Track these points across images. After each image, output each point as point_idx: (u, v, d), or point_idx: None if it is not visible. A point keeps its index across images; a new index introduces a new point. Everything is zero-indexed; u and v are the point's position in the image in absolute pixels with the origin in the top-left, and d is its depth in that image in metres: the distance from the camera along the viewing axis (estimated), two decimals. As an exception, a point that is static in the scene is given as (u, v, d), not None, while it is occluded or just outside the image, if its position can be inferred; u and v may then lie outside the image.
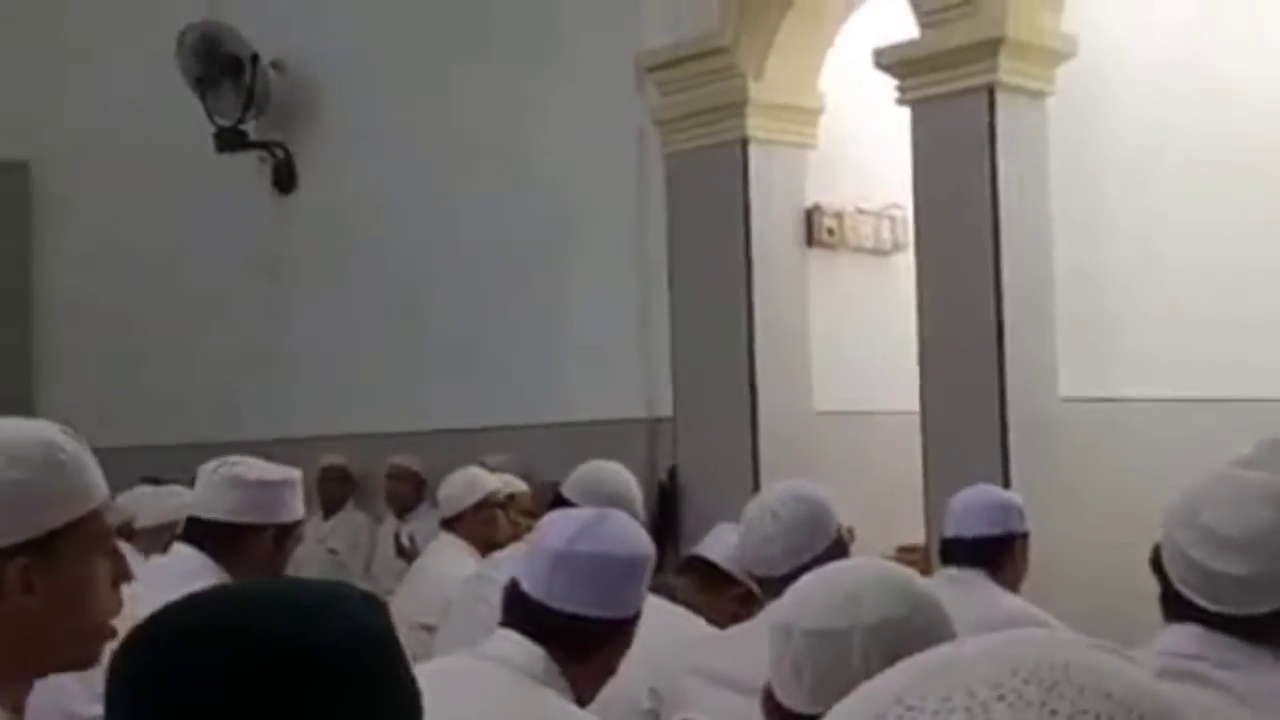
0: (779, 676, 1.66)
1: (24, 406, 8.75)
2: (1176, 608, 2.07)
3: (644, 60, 6.21)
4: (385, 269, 7.27)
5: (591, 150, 6.46)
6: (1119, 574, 4.65)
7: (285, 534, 3.05)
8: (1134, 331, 5.66)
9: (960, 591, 3.40)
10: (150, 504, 4.70)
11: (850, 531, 3.24)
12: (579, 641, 2.05)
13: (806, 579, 1.74)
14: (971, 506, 3.68)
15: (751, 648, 1.95)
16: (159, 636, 1.03)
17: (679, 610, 3.33)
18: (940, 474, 5.22)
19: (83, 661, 1.64)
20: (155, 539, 4.15)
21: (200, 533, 2.99)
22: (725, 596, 3.53)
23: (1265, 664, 2.02)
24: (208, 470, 3.06)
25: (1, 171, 8.75)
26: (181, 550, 3.07)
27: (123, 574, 1.64)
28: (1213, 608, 2.01)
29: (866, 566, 1.80)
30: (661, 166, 6.22)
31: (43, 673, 1.65)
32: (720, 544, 3.68)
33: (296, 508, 3.08)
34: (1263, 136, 6.17)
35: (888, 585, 1.65)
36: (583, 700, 2.07)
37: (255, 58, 7.46)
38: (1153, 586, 3.70)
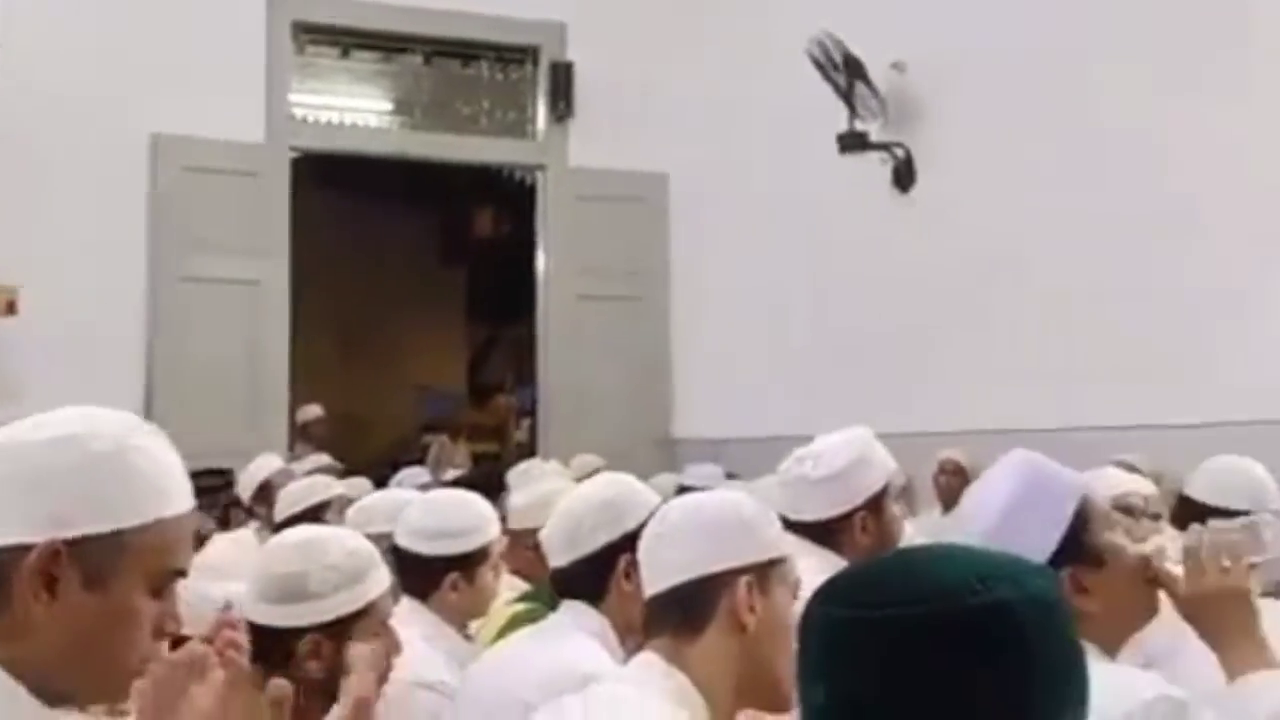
0: None
1: (665, 403, 9.43)
2: None
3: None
4: (1016, 267, 7.17)
5: (1230, 139, 6.09)
6: None
7: (877, 510, 3.00)
8: None
9: None
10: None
11: None
12: None
13: None
14: None
15: None
16: (842, 595, 1.14)
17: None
18: None
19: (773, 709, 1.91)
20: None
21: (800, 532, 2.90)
22: None
23: None
24: (782, 471, 3.04)
25: (645, 182, 9.46)
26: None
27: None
28: None
29: None
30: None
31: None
32: None
33: (869, 484, 2.98)
34: None
35: None
36: None
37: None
38: None
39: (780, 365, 8.56)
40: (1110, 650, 1.92)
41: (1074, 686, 1.12)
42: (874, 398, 7.44)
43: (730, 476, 6.13)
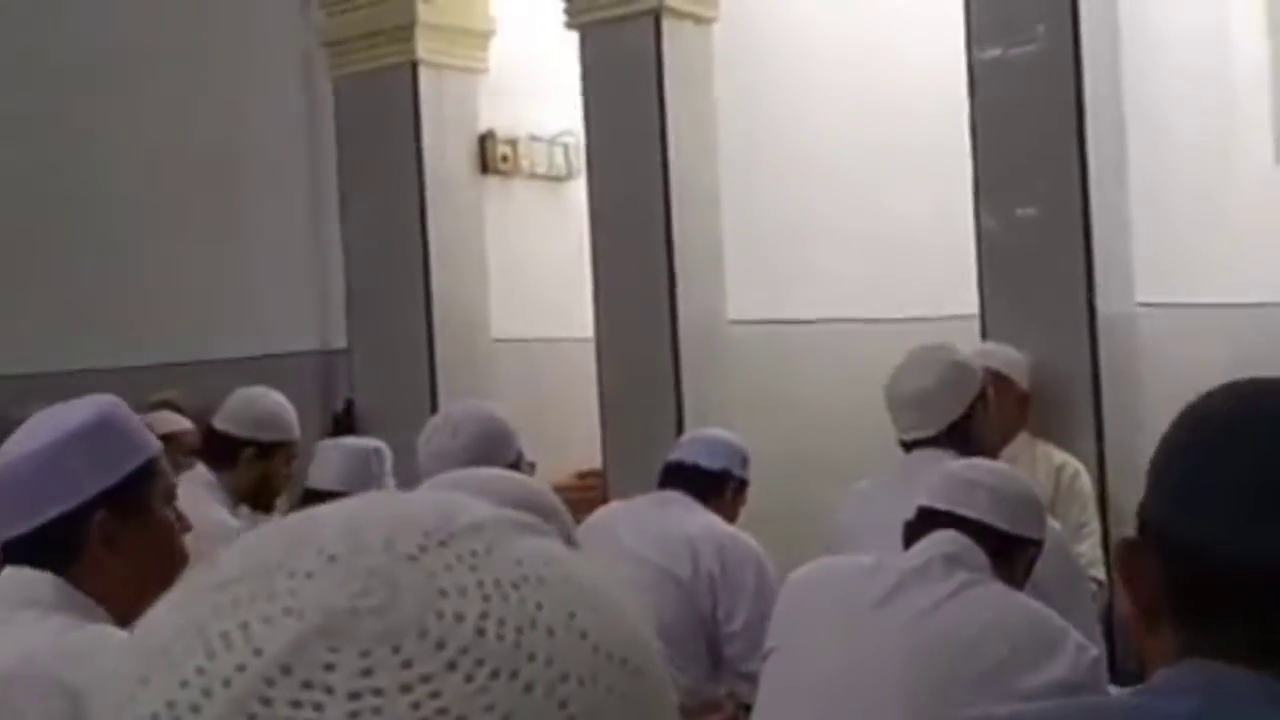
0: None
1: None
2: None
3: (309, -21, 5.99)
4: (27, 195, 6.81)
5: (257, 75, 6.21)
6: (787, 490, 4.81)
7: None
8: (801, 254, 5.78)
9: (659, 505, 3.52)
10: None
11: (532, 466, 3.22)
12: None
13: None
14: (697, 439, 3.76)
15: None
16: None
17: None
18: (615, 400, 5.26)
19: None
20: None
21: None
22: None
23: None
24: None
25: None
26: None
27: None
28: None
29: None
30: (330, 91, 6.03)
31: None
32: (327, 471, 3.70)
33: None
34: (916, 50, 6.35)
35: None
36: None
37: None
38: (814, 504, 3.80)
39: None
40: (125, 619, 1.81)
41: None
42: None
43: None
